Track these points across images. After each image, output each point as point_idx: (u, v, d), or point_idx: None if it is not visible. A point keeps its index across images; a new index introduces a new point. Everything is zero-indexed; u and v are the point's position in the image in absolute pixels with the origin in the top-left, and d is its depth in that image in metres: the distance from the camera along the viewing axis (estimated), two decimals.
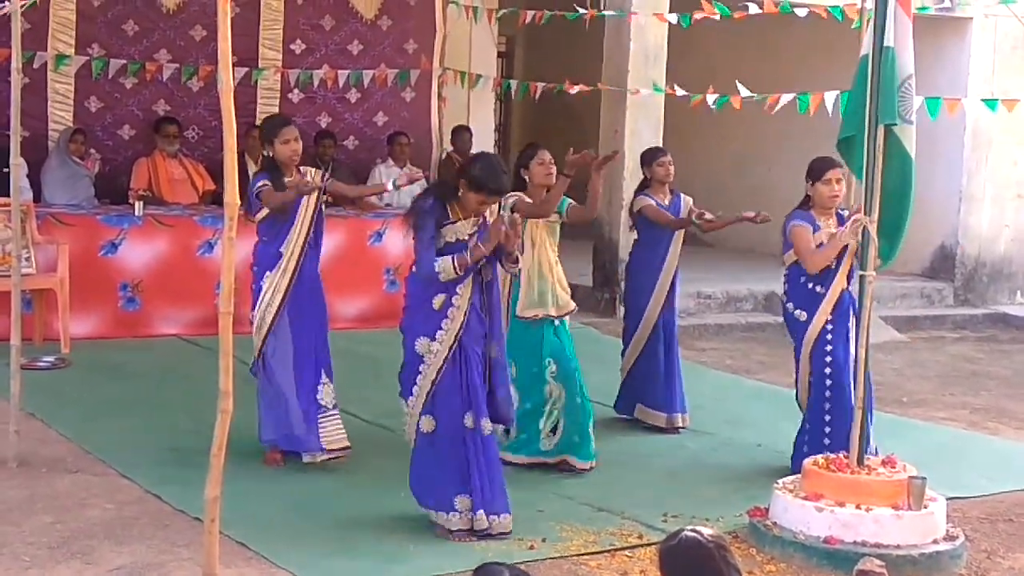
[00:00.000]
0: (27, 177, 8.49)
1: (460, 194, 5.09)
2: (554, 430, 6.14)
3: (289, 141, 5.96)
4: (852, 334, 6.04)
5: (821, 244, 6.00)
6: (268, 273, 5.95)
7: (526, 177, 6.19)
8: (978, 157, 11.57)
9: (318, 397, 6.03)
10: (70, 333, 8.02)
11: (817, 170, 6.08)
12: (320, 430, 6.01)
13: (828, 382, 6.08)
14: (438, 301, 5.05)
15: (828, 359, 6.07)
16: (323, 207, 6.13)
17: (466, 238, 5.07)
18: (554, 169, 6.19)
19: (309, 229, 6.00)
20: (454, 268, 4.99)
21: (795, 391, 6.32)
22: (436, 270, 4.99)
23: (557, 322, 6.22)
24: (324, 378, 6.07)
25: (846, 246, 5.86)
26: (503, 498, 5.18)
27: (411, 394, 5.11)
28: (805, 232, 6.02)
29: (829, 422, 6.10)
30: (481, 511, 5.11)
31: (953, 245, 11.65)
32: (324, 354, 6.09)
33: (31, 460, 5.88)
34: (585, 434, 6.14)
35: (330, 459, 6.01)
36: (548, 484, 5.97)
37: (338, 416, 6.11)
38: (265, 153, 6.06)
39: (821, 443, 6.05)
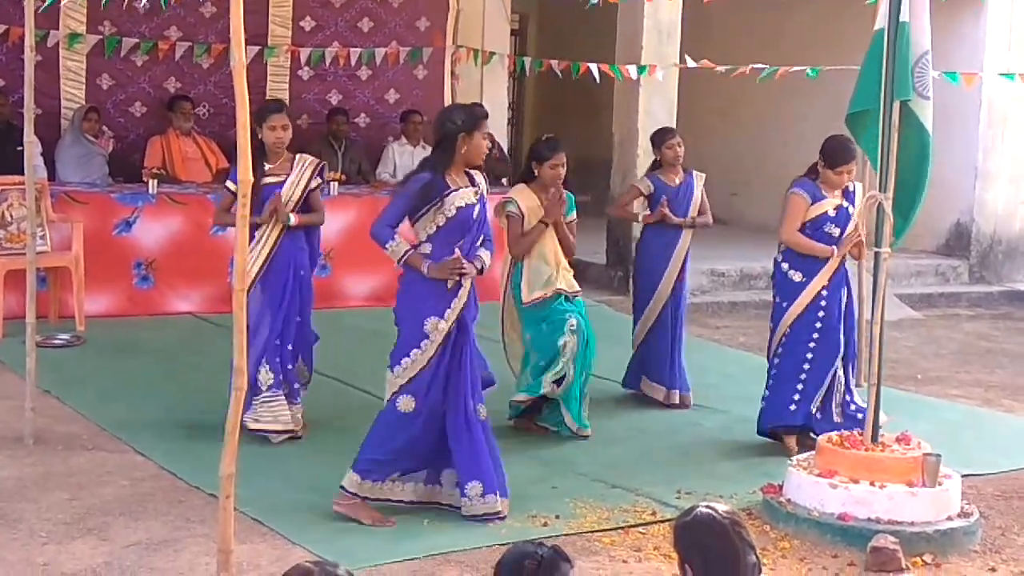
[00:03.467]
0: (41, 155, 8.53)
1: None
2: (558, 382, 6.15)
3: (276, 128, 5.97)
4: (843, 303, 6.11)
5: (826, 214, 6.11)
6: None
7: (536, 170, 6.23)
8: (994, 134, 11.50)
9: (258, 378, 5.93)
10: (85, 311, 8.05)
11: (833, 159, 6.09)
12: (254, 410, 5.92)
13: (811, 346, 6.11)
14: (452, 280, 5.02)
15: (818, 324, 6.12)
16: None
17: (473, 202, 5.05)
18: (564, 172, 6.23)
19: (292, 211, 5.99)
20: (400, 258, 5.00)
21: (768, 349, 6.35)
22: (387, 246, 4.99)
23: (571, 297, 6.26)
24: (298, 362, 6.05)
25: (844, 221, 6.04)
26: (503, 479, 5.17)
27: (399, 364, 5.04)
28: (799, 203, 6.13)
29: (804, 380, 6.15)
30: (496, 493, 5.08)
31: (968, 222, 11.59)
32: (290, 337, 6.02)
33: (47, 437, 5.91)
34: (575, 403, 6.21)
35: (262, 434, 5.96)
36: (561, 461, 5.98)
37: (281, 400, 5.99)
38: (257, 135, 6.01)
39: (786, 406, 6.14)
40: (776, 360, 6.25)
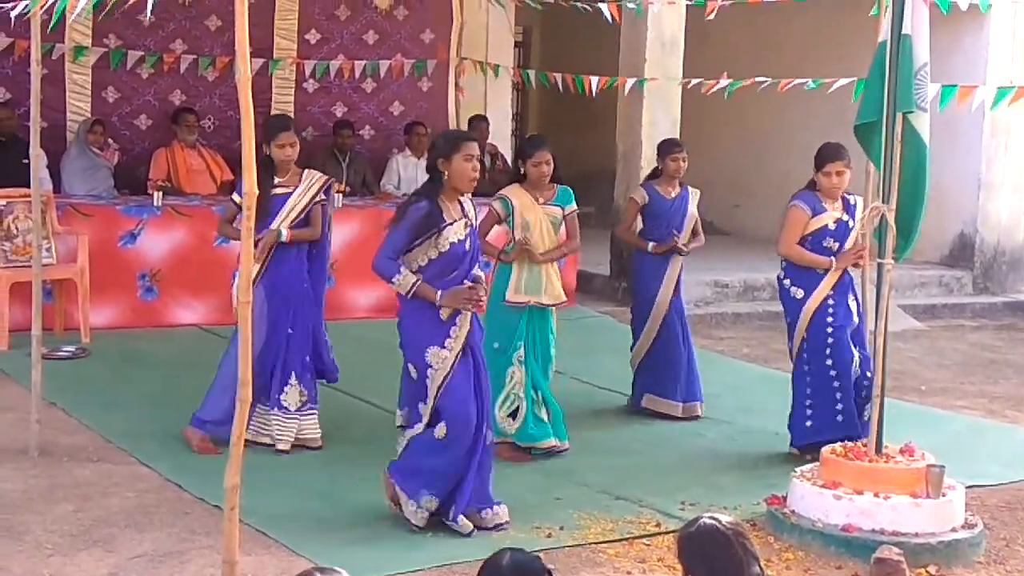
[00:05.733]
0: (47, 168, 8.56)
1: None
2: (513, 415, 6.14)
3: (284, 146, 6.02)
4: (854, 311, 6.11)
5: (826, 227, 6.12)
6: None
7: (523, 169, 6.22)
8: (997, 144, 11.50)
9: (281, 398, 6.04)
10: (90, 323, 8.06)
11: (820, 160, 6.15)
12: (275, 427, 6.03)
13: (829, 361, 6.12)
14: (446, 312, 4.99)
15: (830, 340, 6.13)
16: (327, 210, 6.12)
17: (464, 236, 5.03)
18: (549, 170, 6.20)
19: (294, 220, 6.00)
20: (409, 291, 4.95)
21: (792, 372, 6.36)
22: (394, 280, 4.96)
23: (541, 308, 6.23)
24: (293, 379, 6.06)
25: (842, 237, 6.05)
26: (489, 492, 5.17)
27: (424, 402, 5.03)
28: (799, 216, 6.15)
29: (840, 399, 6.14)
30: (474, 508, 5.08)
31: (972, 233, 11.60)
32: (298, 354, 6.07)
33: (52, 449, 5.92)
34: (540, 419, 6.18)
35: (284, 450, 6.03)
36: (565, 472, 5.98)
37: (312, 415, 6.11)
38: (264, 151, 6.02)
39: (833, 420, 6.10)
40: (808, 379, 6.21)
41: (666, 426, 6.91)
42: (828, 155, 6.12)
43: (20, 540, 4.82)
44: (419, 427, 5.08)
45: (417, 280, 4.96)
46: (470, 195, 5.20)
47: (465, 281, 5.02)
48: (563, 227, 6.29)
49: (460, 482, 5.05)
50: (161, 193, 8.75)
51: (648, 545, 5.05)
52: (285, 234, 6.01)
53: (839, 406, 6.14)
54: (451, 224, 5.01)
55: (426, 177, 5.18)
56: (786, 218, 6.19)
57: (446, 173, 5.01)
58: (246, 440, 5.76)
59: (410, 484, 5.07)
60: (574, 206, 6.34)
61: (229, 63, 9.58)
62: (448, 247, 5.00)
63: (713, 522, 2.99)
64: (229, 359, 5.87)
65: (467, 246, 5.07)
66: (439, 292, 4.95)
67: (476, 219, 5.22)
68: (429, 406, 5.03)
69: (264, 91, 9.94)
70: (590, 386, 7.54)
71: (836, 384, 6.14)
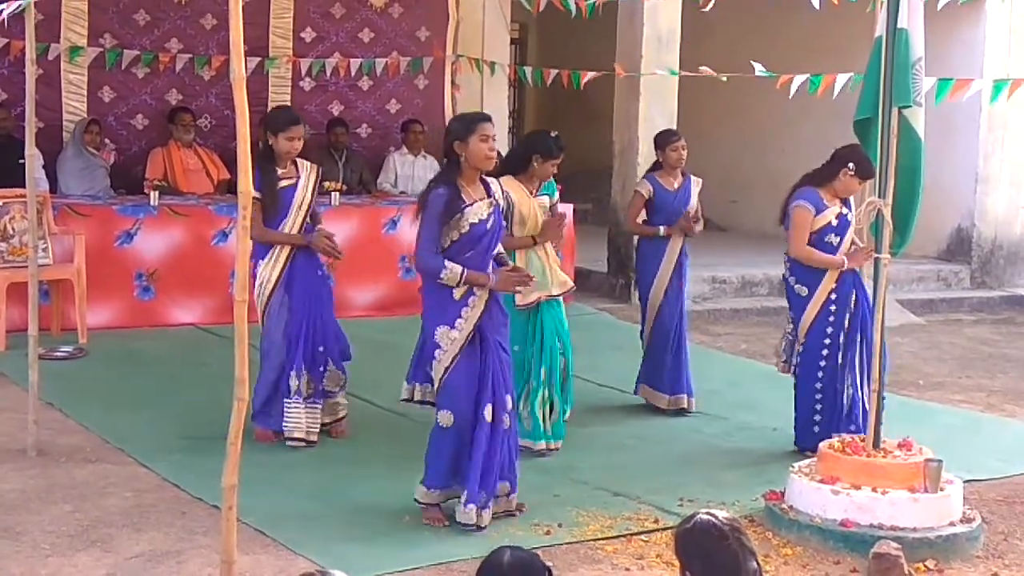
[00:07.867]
0: (43, 168, 8.56)
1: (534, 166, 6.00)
2: (551, 409, 6.17)
3: (293, 139, 6.03)
4: (853, 314, 6.11)
5: (829, 224, 6.12)
6: (261, 261, 6.02)
7: (534, 163, 6.20)
8: (994, 139, 11.50)
9: (324, 386, 6.09)
10: (87, 323, 8.06)
11: (866, 170, 5.97)
12: (286, 415, 6.06)
13: (823, 363, 6.14)
14: (459, 291, 5.01)
15: (827, 340, 6.14)
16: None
17: (486, 216, 5.04)
18: (555, 170, 6.24)
19: (303, 222, 6.04)
20: (459, 281, 4.96)
21: (789, 364, 6.37)
22: (440, 275, 4.95)
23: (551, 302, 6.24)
24: (330, 365, 6.10)
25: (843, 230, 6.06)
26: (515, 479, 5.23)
27: (427, 380, 5.14)
28: (806, 217, 6.14)
29: (820, 399, 6.16)
30: (475, 504, 5.06)
31: (969, 227, 11.60)
32: (314, 342, 6.09)
33: (50, 449, 5.92)
34: (560, 416, 6.23)
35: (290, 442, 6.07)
36: (563, 469, 5.98)
37: (317, 408, 6.13)
38: (266, 142, 6.05)
39: (811, 428, 6.13)
40: (796, 372, 6.25)
41: (664, 422, 6.91)
42: (872, 169, 6.02)
43: (18, 540, 4.82)
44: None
45: (464, 269, 4.98)
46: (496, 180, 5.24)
47: (500, 267, 5.09)
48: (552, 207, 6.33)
49: (487, 469, 5.04)
50: (157, 193, 8.73)
51: (646, 541, 5.05)
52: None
53: (817, 417, 6.16)
54: (471, 205, 5.02)
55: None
56: (793, 220, 6.17)
57: (463, 155, 5.02)
58: (288, 437, 5.98)
59: (439, 484, 5.11)
60: (557, 197, 6.40)
61: (225, 62, 9.58)
62: (469, 228, 5.01)
63: (710, 518, 3.00)
64: (267, 354, 6.05)
65: (489, 225, 5.06)
66: (492, 277, 5.02)
67: (502, 199, 5.22)
68: (434, 388, 5.10)
69: (260, 90, 9.95)
70: (588, 383, 7.54)
71: (819, 386, 6.16)
